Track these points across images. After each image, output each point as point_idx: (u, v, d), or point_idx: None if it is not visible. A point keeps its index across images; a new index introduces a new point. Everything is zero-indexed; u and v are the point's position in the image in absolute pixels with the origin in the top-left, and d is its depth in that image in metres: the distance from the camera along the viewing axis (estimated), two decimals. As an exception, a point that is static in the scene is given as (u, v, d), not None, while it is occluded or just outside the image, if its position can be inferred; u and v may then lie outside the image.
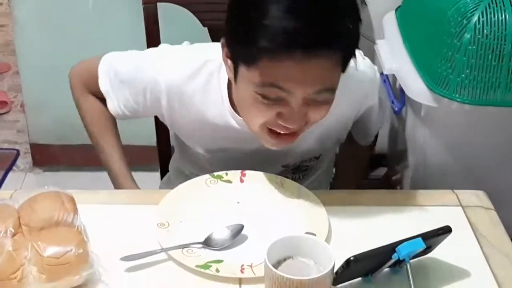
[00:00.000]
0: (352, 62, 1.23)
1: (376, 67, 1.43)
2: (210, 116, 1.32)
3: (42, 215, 1.10)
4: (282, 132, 1.19)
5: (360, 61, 1.32)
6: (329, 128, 1.38)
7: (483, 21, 1.51)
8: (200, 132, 1.38)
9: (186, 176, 1.41)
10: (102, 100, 1.43)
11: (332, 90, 1.15)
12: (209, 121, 1.33)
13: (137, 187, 1.45)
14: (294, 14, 1.05)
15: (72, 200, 1.14)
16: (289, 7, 1.06)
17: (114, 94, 1.39)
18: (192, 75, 1.29)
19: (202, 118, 1.33)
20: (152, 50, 1.39)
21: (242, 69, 1.15)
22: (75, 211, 1.13)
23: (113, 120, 1.46)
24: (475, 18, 1.51)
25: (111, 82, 1.39)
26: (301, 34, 1.05)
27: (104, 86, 1.40)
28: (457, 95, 1.56)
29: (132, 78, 1.36)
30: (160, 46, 1.39)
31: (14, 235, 1.07)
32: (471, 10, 1.52)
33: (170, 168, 1.64)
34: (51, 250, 1.05)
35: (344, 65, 1.14)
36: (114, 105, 1.40)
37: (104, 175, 1.53)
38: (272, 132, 1.20)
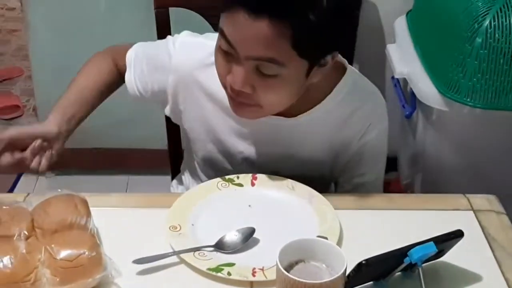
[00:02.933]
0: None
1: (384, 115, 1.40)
2: (212, 93, 1.33)
3: (56, 218, 1.11)
4: (236, 99, 1.21)
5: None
6: (325, 144, 1.37)
7: (494, 25, 1.51)
8: (201, 123, 1.39)
9: (197, 177, 1.43)
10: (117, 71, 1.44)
11: (275, 63, 1.13)
12: (211, 101, 1.33)
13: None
14: None
15: (85, 203, 1.15)
16: None
17: (133, 66, 1.41)
18: (202, 59, 1.30)
19: (204, 103, 1.33)
20: (177, 35, 1.40)
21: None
22: (88, 214, 1.13)
23: (107, 83, 1.45)
24: (487, 22, 1.51)
25: (136, 54, 1.41)
26: None
27: (129, 56, 1.42)
28: (468, 99, 1.57)
29: (151, 55, 1.40)
30: (183, 32, 1.40)
31: (27, 238, 1.08)
32: (483, 14, 1.52)
33: (181, 169, 1.64)
34: (64, 253, 1.06)
35: (297, 46, 1.12)
36: (130, 77, 1.41)
37: (116, 178, 1.53)
38: (232, 100, 1.23)
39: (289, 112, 1.30)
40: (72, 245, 1.07)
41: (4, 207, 1.15)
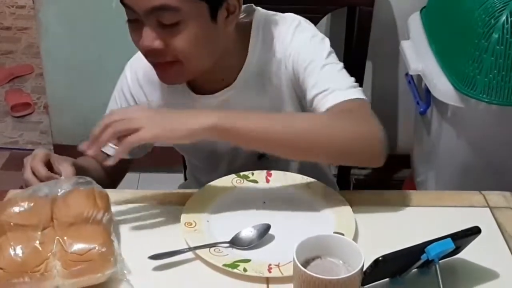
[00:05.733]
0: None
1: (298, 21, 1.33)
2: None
3: (73, 211, 1.11)
4: (155, 61, 1.25)
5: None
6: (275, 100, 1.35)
7: (511, 21, 1.50)
8: None
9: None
10: None
11: (169, 9, 1.16)
12: (164, 92, 1.37)
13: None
14: None
15: (105, 198, 1.15)
16: None
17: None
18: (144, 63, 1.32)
19: (163, 94, 1.37)
20: None
21: None
22: (106, 208, 1.13)
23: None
24: (503, 18, 1.50)
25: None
26: None
27: None
28: (484, 96, 1.56)
29: (112, 107, 1.45)
30: None
31: (44, 228, 1.08)
32: (499, 10, 1.51)
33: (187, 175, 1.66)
34: (75, 246, 1.06)
35: None
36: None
37: (127, 175, 1.53)
38: (155, 65, 1.27)
39: (224, 84, 1.33)
40: (85, 239, 1.07)
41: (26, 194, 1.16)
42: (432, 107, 1.77)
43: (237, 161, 1.41)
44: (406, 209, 1.28)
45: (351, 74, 1.31)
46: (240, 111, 1.20)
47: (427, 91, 1.73)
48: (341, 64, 1.30)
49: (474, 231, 1.10)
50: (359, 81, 1.94)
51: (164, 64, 1.24)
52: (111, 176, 1.43)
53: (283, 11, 1.35)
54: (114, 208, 1.17)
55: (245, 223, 1.19)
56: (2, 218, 1.11)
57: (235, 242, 1.16)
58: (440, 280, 1.06)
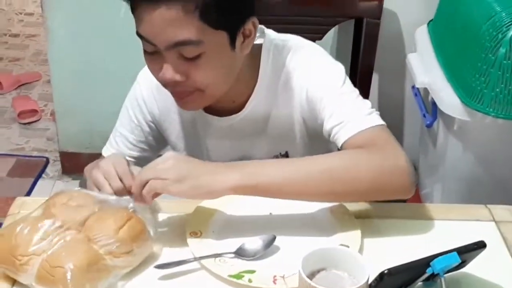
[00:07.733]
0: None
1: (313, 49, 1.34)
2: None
3: (97, 227, 1.10)
4: (175, 90, 1.24)
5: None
6: (278, 117, 1.34)
7: (518, 36, 1.50)
8: (176, 128, 1.43)
9: None
10: None
11: (192, 43, 1.15)
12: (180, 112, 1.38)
13: None
14: None
15: (134, 232, 1.11)
16: None
17: (115, 150, 1.44)
18: None
19: (175, 105, 1.35)
20: None
21: None
22: (124, 242, 1.09)
23: None
24: (511, 32, 1.51)
25: (110, 143, 1.46)
26: None
27: (106, 151, 1.45)
28: (491, 109, 1.56)
29: (123, 118, 1.44)
30: None
31: (67, 229, 1.09)
32: (507, 25, 1.52)
33: None
34: (53, 256, 1.05)
35: (205, 17, 1.14)
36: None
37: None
38: (174, 93, 1.26)
39: (234, 105, 1.33)
40: (65, 255, 1.05)
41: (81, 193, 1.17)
42: (439, 120, 1.77)
43: None
44: (411, 222, 1.28)
45: (358, 86, 1.31)
46: (263, 164, 1.20)
47: (434, 104, 1.74)
48: (356, 91, 1.29)
49: (480, 246, 1.10)
50: (366, 93, 1.96)
51: (183, 92, 1.24)
52: None
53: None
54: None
55: (250, 233, 1.19)
56: (49, 202, 1.14)
57: (241, 253, 1.16)
58: (445, 294, 1.06)
